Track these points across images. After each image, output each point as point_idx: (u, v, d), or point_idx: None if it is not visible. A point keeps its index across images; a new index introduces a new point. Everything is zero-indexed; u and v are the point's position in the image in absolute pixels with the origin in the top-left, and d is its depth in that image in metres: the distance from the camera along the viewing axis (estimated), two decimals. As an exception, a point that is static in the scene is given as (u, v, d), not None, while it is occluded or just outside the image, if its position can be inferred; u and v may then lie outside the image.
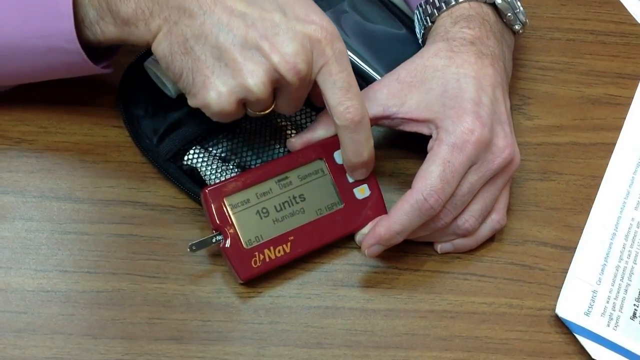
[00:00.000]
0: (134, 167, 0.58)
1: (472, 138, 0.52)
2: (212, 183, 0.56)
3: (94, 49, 0.53)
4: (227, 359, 0.52)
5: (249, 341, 0.53)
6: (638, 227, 0.60)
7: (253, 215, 0.54)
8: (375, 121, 0.56)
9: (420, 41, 0.61)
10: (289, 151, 0.57)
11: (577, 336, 0.55)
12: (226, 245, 0.53)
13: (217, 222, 0.53)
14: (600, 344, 0.55)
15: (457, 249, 0.57)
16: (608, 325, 0.55)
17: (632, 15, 0.71)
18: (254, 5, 0.49)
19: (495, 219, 0.56)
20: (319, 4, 0.52)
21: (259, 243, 0.53)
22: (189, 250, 0.52)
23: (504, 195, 0.56)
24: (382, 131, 0.61)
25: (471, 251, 0.57)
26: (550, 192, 0.61)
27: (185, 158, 0.57)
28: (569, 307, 0.56)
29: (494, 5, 0.59)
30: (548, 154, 0.63)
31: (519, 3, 0.60)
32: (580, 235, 0.59)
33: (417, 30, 0.61)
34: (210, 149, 0.58)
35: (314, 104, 0.58)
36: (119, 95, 0.59)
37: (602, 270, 0.58)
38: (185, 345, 0.52)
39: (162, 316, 0.53)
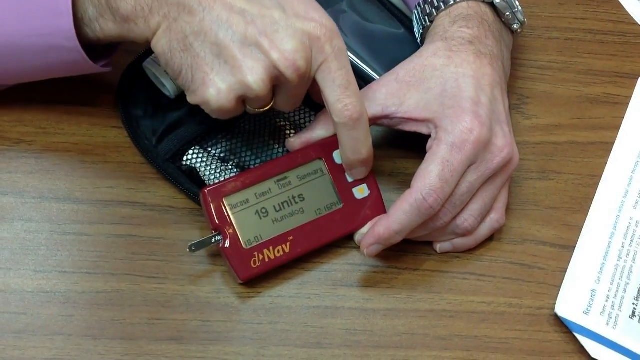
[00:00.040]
0: (133, 168, 0.58)
1: (471, 137, 0.52)
2: (211, 183, 0.56)
3: (93, 48, 0.53)
4: (226, 359, 0.52)
5: (248, 341, 0.53)
6: (637, 226, 0.60)
7: (252, 216, 0.54)
8: (374, 121, 0.56)
9: (418, 41, 0.61)
10: (288, 151, 0.57)
11: (577, 335, 0.55)
12: (225, 246, 0.53)
13: (217, 222, 0.53)
14: (599, 343, 0.55)
15: (456, 249, 0.57)
16: (607, 324, 0.55)
17: (630, 15, 0.71)
18: (254, 2, 0.49)
19: (495, 218, 0.56)
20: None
21: (258, 243, 0.53)
22: (188, 250, 0.52)
23: (503, 194, 0.57)
24: (381, 131, 0.61)
25: (470, 250, 0.58)
26: (549, 192, 0.61)
27: (185, 158, 0.57)
28: (568, 306, 0.56)
29: (492, 5, 0.59)
30: (547, 154, 0.63)
31: (517, 2, 0.60)
32: (579, 235, 0.59)
33: (416, 29, 0.61)
34: (210, 149, 0.58)
35: (313, 104, 0.58)
36: (118, 95, 0.59)
37: (601, 269, 0.58)
38: (185, 345, 0.52)
39: (162, 316, 0.53)
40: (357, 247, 0.56)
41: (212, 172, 0.57)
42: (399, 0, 0.66)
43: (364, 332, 0.54)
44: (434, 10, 0.59)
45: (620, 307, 0.56)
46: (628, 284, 0.57)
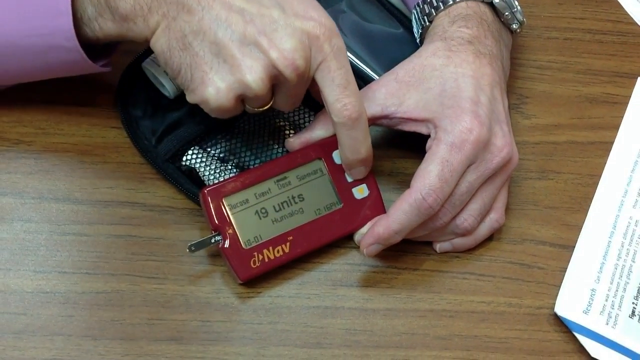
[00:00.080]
0: (132, 168, 0.58)
1: (470, 137, 0.52)
2: (211, 183, 0.56)
3: (93, 47, 0.53)
4: (226, 359, 0.52)
5: (248, 341, 0.53)
6: (636, 226, 0.60)
7: (252, 216, 0.54)
8: (373, 121, 0.56)
9: (418, 41, 0.61)
10: (287, 151, 0.57)
11: (576, 334, 0.55)
12: (225, 246, 0.53)
13: (216, 222, 0.53)
14: (599, 342, 0.55)
15: (456, 248, 0.57)
16: (607, 323, 0.56)
17: (629, 14, 0.71)
18: (253, 2, 0.49)
19: (494, 218, 0.56)
20: (317, 3, 0.52)
21: (258, 243, 0.53)
22: (188, 250, 0.52)
23: (503, 194, 0.57)
24: (380, 131, 0.61)
25: (470, 250, 0.58)
26: (548, 191, 0.61)
27: (184, 158, 0.57)
28: (567, 305, 0.56)
29: (491, 5, 0.59)
30: (546, 153, 0.63)
31: (516, 2, 0.60)
32: (579, 234, 0.59)
33: (415, 29, 0.62)
34: (209, 149, 0.58)
35: (312, 104, 0.58)
36: (118, 96, 0.59)
37: (600, 268, 0.58)
38: (184, 345, 0.52)
39: (162, 317, 0.53)
40: (357, 247, 0.56)
41: (212, 172, 0.57)
42: (398, 0, 0.66)
43: (364, 332, 0.54)
44: (433, 10, 0.59)
45: (619, 306, 0.56)
46: (628, 283, 0.58)
